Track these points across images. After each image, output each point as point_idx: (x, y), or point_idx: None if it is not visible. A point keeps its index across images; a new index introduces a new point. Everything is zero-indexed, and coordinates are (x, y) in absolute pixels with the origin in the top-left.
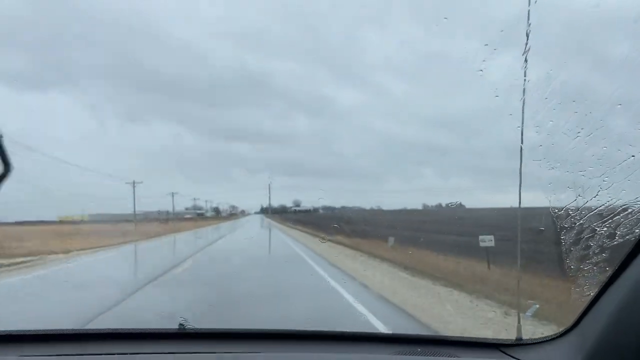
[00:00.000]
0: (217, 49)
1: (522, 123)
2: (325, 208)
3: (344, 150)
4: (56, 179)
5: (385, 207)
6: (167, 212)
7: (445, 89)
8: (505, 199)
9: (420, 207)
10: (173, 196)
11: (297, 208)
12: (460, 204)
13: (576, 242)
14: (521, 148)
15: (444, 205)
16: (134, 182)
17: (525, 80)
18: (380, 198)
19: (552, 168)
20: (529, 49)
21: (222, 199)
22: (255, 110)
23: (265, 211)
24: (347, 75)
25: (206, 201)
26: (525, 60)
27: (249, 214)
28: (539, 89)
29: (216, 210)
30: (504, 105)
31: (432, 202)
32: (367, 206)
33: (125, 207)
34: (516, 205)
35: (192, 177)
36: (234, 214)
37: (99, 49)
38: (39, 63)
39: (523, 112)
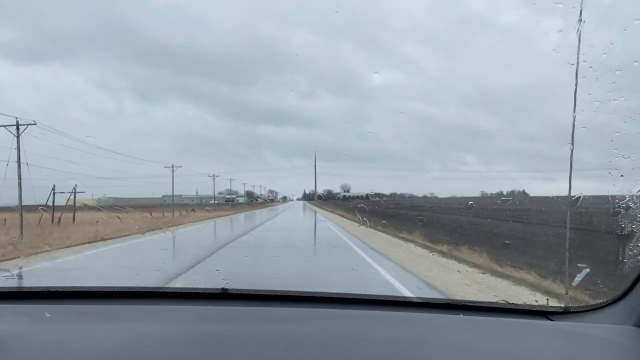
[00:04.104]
0: (224, 15)
1: (575, 102)
2: (375, 195)
3: (378, 133)
4: (64, 160)
5: (440, 195)
6: (181, 197)
7: (487, 63)
8: (559, 187)
9: (477, 194)
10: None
11: (347, 194)
12: (524, 191)
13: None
14: (573, 130)
15: (505, 193)
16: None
17: (578, 50)
18: (424, 185)
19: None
20: (582, 11)
21: (261, 185)
22: (278, 89)
23: (310, 197)
24: (374, 46)
25: (244, 184)
26: (580, 20)
27: (290, 200)
28: (597, 62)
29: (250, 196)
30: (558, 80)
31: (477, 190)
32: (419, 193)
33: (141, 191)
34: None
35: (223, 161)
36: (271, 201)
37: (90, 13)
38: (31, 32)
39: (576, 91)
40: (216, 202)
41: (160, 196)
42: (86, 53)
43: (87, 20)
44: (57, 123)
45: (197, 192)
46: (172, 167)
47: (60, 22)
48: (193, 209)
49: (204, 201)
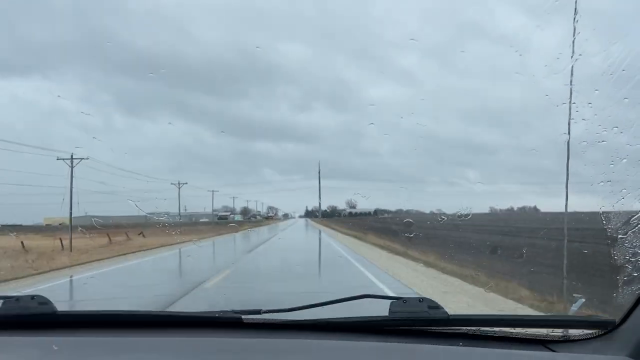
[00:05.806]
0: (208, 26)
1: (570, 111)
2: (380, 211)
3: (377, 148)
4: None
5: (447, 211)
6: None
7: (485, 75)
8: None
9: (486, 210)
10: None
11: (353, 210)
12: (536, 207)
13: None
14: (568, 143)
15: (515, 209)
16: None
17: (572, 59)
18: (429, 201)
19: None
20: (577, 17)
21: (257, 200)
22: (272, 103)
23: (313, 214)
24: (369, 59)
25: (233, 198)
26: (574, 30)
27: (291, 218)
28: (596, 71)
29: (246, 213)
30: (559, 93)
31: (485, 205)
32: (426, 210)
33: (125, 209)
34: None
35: (222, 178)
36: (269, 218)
37: (68, 24)
38: (6, 43)
39: (571, 99)
40: (206, 220)
41: (144, 214)
42: (66, 65)
43: (65, 31)
44: (46, 139)
45: (185, 209)
46: (71, 158)
47: (36, 33)
48: (141, 232)
49: (194, 219)
